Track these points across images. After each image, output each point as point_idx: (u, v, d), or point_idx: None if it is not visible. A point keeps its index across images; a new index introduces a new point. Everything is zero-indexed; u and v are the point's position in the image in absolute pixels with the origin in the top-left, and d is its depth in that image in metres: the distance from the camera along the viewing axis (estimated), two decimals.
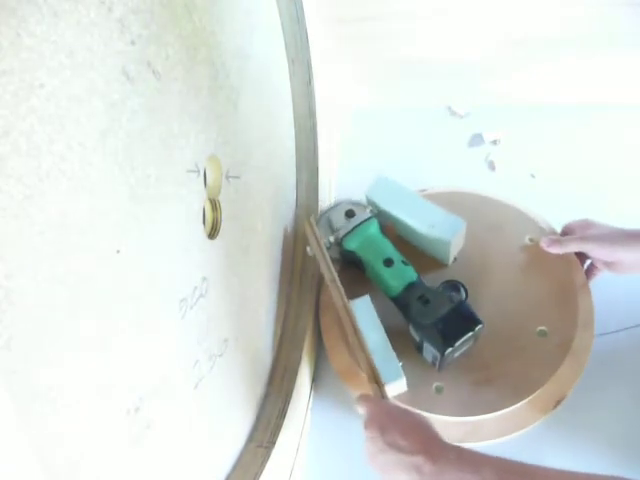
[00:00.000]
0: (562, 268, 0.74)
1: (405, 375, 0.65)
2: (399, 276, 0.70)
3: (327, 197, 0.91)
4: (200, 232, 0.48)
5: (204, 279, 0.49)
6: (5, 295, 0.27)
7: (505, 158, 0.97)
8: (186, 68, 0.43)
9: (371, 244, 0.73)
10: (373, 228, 0.74)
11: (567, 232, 0.76)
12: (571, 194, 0.89)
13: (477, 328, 0.64)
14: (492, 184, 0.89)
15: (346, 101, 1.08)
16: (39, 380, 0.29)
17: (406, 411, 0.58)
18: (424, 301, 0.67)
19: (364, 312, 0.69)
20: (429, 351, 0.66)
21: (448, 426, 0.64)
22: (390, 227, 0.78)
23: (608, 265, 0.72)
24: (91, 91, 0.32)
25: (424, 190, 0.84)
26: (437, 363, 0.66)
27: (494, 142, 1.00)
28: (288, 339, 0.75)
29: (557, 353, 0.68)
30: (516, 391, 0.66)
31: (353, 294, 0.70)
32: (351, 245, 0.73)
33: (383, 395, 0.61)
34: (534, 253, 0.76)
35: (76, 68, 0.30)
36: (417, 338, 0.67)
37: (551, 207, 0.82)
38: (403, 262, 0.72)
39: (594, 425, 0.71)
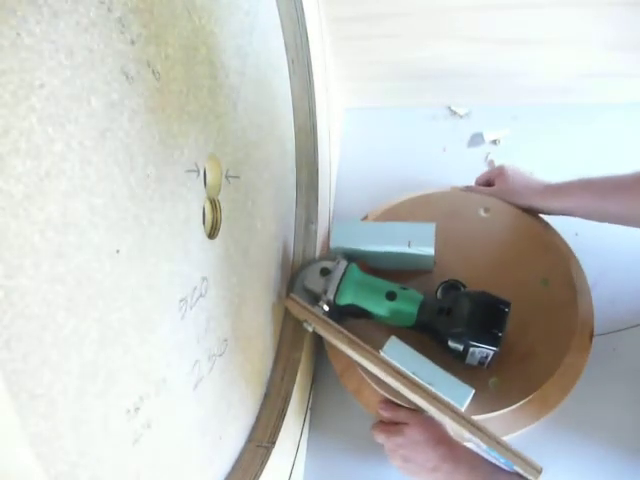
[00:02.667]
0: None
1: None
2: (408, 303, 0.68)
3: (327, 197, 0.91)
4: (200, 232, 0.48)
5: (204, 279, 0.49)
6: (5, 295, 0.27)
7: (505, 158, 0.97)
8: (186, 68, 0.43)
9: (364, 288, 0.69)
10: (356, 273, 0.70)
11: (480, 182, 0.83)
12: None
13: (510, 307, 0.63)
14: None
15: (346, 101, 1.08)
16: (39, 380, 0.29)
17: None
18: (446, 312, 0.65)
19: (399, 354, 0.64)
20: (477, 354, 0.64)
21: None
22: (361, 263, 0.74)
23: None
24: (91, 91, 0.32)
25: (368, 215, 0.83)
26: (487, 361, 0.65)
27: (494, 142, 1.00)
28: (288, 339, 0.75)
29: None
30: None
31: (373, 345, 0.65)
32: (347, 299, 0.69)
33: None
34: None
35: (76, 68, 0.30)
36: (460, 348, 0.64)
37: None
38: (403, 288, 0.69)
39: (594, 425, 0.71)
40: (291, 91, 0.75)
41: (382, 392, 0.68)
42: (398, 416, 0.67)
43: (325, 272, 0.70)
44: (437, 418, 0.64)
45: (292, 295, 0.68)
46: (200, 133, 0.46)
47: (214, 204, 0.51)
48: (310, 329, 0.67)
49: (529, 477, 0.58)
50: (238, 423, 0.63)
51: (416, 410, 0.66)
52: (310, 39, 0.72)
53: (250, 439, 0.65)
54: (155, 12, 0.38)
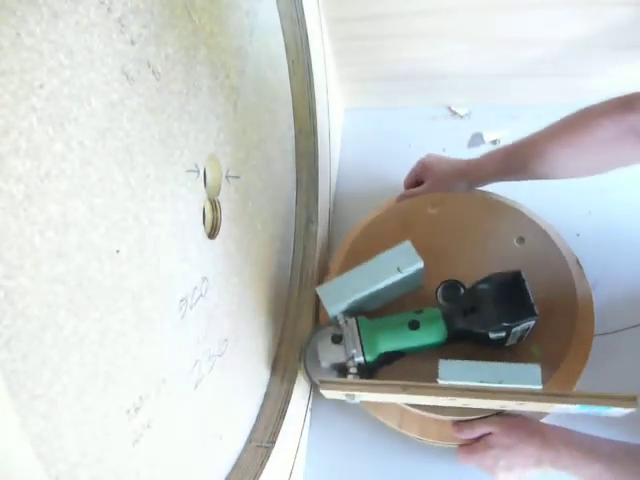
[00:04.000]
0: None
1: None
2: (432, 322, 0.66)
3: (327, 197, 0.91)
4: (200, 232, 0.48)
5: (204, 279, 0.49)
6: (5, 295, 0.27)
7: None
8: (186, 68, 0.43)
9: (386, 332, 0.67)
10: (368, 323, 0.68)
11: (409, 184, 0.85)
12: (571, 193, 0.89)
13: (524, 276, 0.64)
14: (492, 184, 0.89)
15: (346, 101, 1.08)
16: (39, 380, 0.29)
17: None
18: (470, 311, 0.65)
19: (456, 372, 0.61)
20: (518, 332, 0.64)
21: None
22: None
23: None
24: (91, 91, 0.32)
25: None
26: (527, 333, 0.65)
27: (494, 142, 1.00)
28: (288, 339, 0.75)
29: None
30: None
31: (423, 378, 0.61)
32: (377, 351, 0.66)
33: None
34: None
35: (76, 68, 0.30)
36: (503, 334, 0.64)
37: (551, 206, 0.82)
38: (417, 312, 0.68)
39: (594, 425, 0.71)
40: (291, 91, 0.75)
41: (449, 418, 0.67)
42: (476, 431, 0.66)
43: (337, 339, 0.67)
44: (515, 410, 0.63)
45: (324, 379, 0.62)
46: (200, 133, 0.46)
47: (214, 204, 0.51)
48: (356, 401, 0.63)
49: (629, 409, 0.57)
50: (238, 423, 0.63)
51: (489, 416, 0.65)
52: (310, 39, 0.72)
53: (250, 439, 0.65)
54: (155, 12, 0.38)
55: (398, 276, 0.69)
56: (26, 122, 0.27)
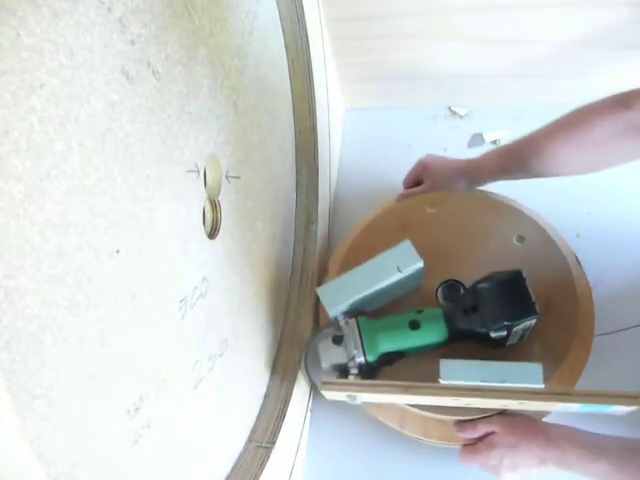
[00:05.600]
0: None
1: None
2: (433, 322, 0.66)
3: (327, 197, 0.91)
4: (200, 232, 0.48)
5: (204, 279, 0.49)
6: (5, 295, 0.27)
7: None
8: (186, 68, 0.43)
9: (386, 332, 0.66)
10: (369, 323, 0.67)
11: (409, 184, 0.85)
12: (571, 193, 0.89)
13: (524, 274, 0.63)
14: (492, 184, 0.89)
15: (346, 101, 1.08)
16: (39, 380, 0.29)
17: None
18: (471, 310, 0.64)
19: (458, 371, 0.61)
20: (519, 331, 0.64)
21: None
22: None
23: None
24: (91, 91, 0.32)
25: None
26: (528, 332, 0.65)
27: (494, 142, 1.00)
28: (288, 339, 0.75)
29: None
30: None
31: (425, 378, 0.61)
32: (378, 351, 0.66)
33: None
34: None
35: (76, 68, 0.30)
36: (504, 333, 0.63)
37: (551, 206, 0.82)
38: (418, 312, 0.67)
39: (594, 421, 0.71)
40: (291, 91, 0.75)
41: (451, 418, 0.66)
42: (479, 430, 0.65)
43: (338, 340, 0.66)
44: (517, 409, 0.62)
45: (326, 380, 0.62)
46: (200, 133, 0.46)
47: (214, 204, 0.51)
48: (357, 402, 0.62)
49: (631, 407, 0.56)
50: (238, 423, 0.63)
51: (492, 415, 0.65)
52: (310, 39, 0.72)
53: (250, 439, 0.65)
54: (155, 12, 0.38)
55: (398, 276, 0.68)
56: (26, 122, 0.27)
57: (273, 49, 0.68)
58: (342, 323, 0.67)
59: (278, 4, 0.66)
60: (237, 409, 0.63)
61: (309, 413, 0.79)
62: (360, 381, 0.63)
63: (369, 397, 0.62)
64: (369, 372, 0.66)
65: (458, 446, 0.69)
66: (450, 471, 0.73)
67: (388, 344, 0.66)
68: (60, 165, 0.30)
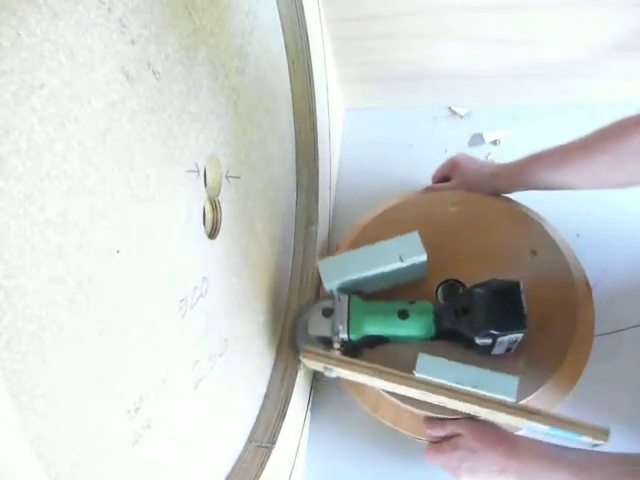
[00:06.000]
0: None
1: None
2: (422, 315, 0.66)
3: (327, 197, 0.91)
4: (200, 232, 0.48)
5: (204, 279, 0.49)
6: (5, 295, 0.27)
7: (505, 158, 0.96)
8: (186, 68, 0.43)
9: (374, 316, 0.67)
10: (360, 303, 0.68)
11: (437, 179, 0.85)
12: (571, 193, 0.89)
13: (521, 286, 0.63)
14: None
15: (346, 101, 1.08)
16: (39, 380, 0.29)
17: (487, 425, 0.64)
18: (463, 312, 0.65)
19: (434, 368, 0.61)
20: (505, 342, 0.64)
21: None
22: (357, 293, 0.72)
23: None
24: (91, 91, 0.32)
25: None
26: (516, 345, 0.65)
27: (494, 142, 1.00)
28: (288, 339, 0.75)
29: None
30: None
31: (402, 368, 0.62)
32: (361, 332, 0.66)
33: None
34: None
35: (76, 68, 0.30)
36: (489, 342, 0.64)
37: (551, 206, 0.82)
38: (410, 303, 0.68)
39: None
40: (291, 91, 0.75)
41: (424, 413, 0.66)
42: (446, 429, 0.65)
43: (328, 313, 0.68)
44: (488, 418, 0.62)
45: (307, 348, 0.63)
46: (200, 133, 0.46)
47: (214, 204, 0.51)
48: (333, 375, 0.64)
49: (598, 441, 0.56)
50: (238, 423, 0.63)
51: (462, 418, 0.64)
52: (310, 39, 0.72)
53: (250, 439, 0.65)
54: (155, 12, 0.38)
55: (399, 265, 0.69)
56: (26, 122, 0.27)
57: (273, 49, 0.68)
58: (335, 297, 0.68)
59: (278, 4, 0.66)
60: (237, 409, 0.63)
61: (309, 413, 0.79)
62: (338, 356, 0.64)
63: (345, 373, 0.63)
64: (352, 350, 0.67)
65: (425, 441, 0.69)
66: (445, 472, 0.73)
67: (373, 327, 0.67)
68: (60, 165, 0.30)
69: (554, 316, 0.69)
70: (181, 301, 0.45)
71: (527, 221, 0.78)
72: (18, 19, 0.26)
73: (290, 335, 0.72)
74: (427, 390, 0.59)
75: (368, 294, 0.72)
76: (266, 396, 0.70)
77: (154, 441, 0.41)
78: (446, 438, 0.65)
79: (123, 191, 0.35)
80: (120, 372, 0.37)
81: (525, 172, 0.75)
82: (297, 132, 0.79)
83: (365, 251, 0.71)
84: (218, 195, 0.52)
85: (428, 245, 0.70)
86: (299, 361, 0.66)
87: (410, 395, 0.62)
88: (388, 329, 0.67)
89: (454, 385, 0.60)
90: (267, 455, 0.62)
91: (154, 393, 0.41)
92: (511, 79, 0.99)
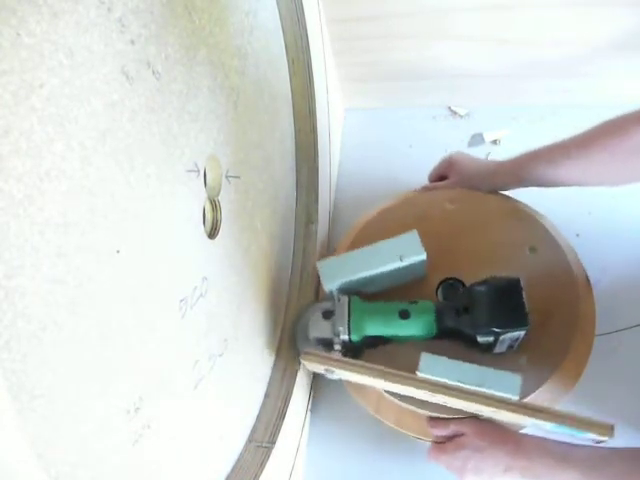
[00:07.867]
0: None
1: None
2: (423, 315, 0.66)
3: (327, 197, 0.91)
4: (200, 232, 0.48)
5: (204, 279, 0.49)
6: (5, 295, 0.27)
7: (505, 158, 0.97)
8: (186, 68, 0.43)
9: (375, 316, 0.67)
10: (360, 304, 0.68)
11: (434, 178, 0.84)
12: (571, 193, 0.89)
13: (522, 284, 0.63)
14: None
15: (346, 101, 1.08)
16: (39, 380, 0.29)
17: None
18: (464, 311, 0.64)
19: (437, 367, 0.61)
20: (507, 340, 0.63)
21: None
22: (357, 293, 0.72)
23: None
24: (91, 91, 0.32)
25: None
26: (518, 342, 0.64)
27: (494, 142, 1.00)
28: (288, 339, 0.75)
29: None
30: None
31: (404, 368, 0.61)
32: (362, 332, 0.66)
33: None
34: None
35: (76, 68, 0.30)
36: (491, 339, 0.63)
37: (551, 206, 0.82)
38: (411, 302, 0.68)
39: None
40: (291, 91, 0.75)
41: (427, 413, 0.66)
42: (450, 429, 0.65)
43: (328, 315, 0.67)
44: (491, 417, 0.62)
45: (307, 350, 0.63)
46: (200, 133, 0.46)
47: (214, 204, 0.51)
48: (335, 377, 0.63)
49: (603, 437, 0.56)
50: (238, 423, 0.63)
51: (465, 418, 0.64)
52: (310, 39, 0.72)
53: (250, 439, 0.65)
54: (155, 12, 0.38)
55: (398, 264, 0.69)
56: (26, 122, 0.27)
57: (273, 49, 0.68)
58: (334, 298, 0.68)
59: (278, 4, 0.66)
60: (237, 409, 0.63)
61: (309, 413, 0.79)
62: (340, 358, 0.63)
63: (347, 375, 0.62)
64: (352, 351, 0.67)
65: (427, 441, 0.68)
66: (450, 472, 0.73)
67: (374, 328, 0.66)
68: (60, 165, 0.30)
69: (555, 312, 0.69)
70: (181, 301, 0.45)
71: (526, 218, 0.78)
72: (18, 19, 0.26)
73: (290, 338, 0.71)
74: (430, 390, 0.59)
75: (368, 294, 0.72)
76: (266, 396, 0.70)
77: (154, 441, 0.41)
78: (449, 438, 0.65)
79: (123, 191, 0.35)
80: (120, 372, 0.37)
81: (524, 168, 0.75)
82: (297, 132, 0.79)
83: (364, 251, 0.70)
84: (218, 195, 0.52)
85: (427, 244, 0.70)
86: (299, 363, 0.66)
87: (413, 395, 0.62)
88: (389, 329, 0.67)
89: (457, 384, 0.60)
90: (267, 455, 0.62)
91: (154, 393, 0.41)
92: (511, 79, 0.99)
